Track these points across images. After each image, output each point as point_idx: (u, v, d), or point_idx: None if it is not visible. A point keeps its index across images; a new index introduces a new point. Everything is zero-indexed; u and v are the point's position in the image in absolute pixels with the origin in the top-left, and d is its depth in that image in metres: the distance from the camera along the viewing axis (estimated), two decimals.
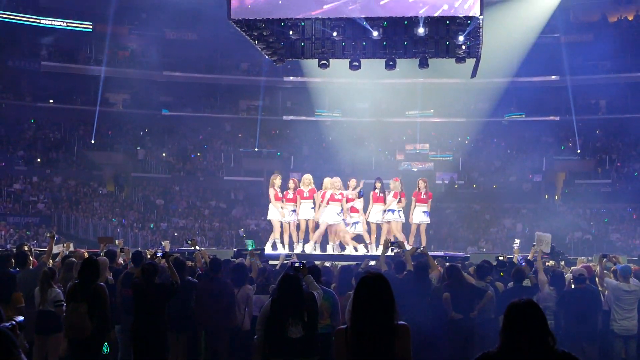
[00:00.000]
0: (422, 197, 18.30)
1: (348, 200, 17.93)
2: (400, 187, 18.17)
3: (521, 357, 4.48)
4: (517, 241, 15.70)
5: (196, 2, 37.14)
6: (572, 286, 10.93)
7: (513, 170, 40.27)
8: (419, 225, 18.40)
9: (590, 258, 16.09)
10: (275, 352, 7.33)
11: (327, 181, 18.07)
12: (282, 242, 18.14)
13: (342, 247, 18.20)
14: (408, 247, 13.50)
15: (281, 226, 18.18)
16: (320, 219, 17.83)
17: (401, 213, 18.13)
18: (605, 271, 11.67)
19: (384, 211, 17.92)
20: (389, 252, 13.31)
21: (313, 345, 7.37)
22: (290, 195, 18.00)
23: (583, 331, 10.43)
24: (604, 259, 11.83)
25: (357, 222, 17.91)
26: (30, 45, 42.01)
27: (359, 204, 18.10)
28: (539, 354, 4.47)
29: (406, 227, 18.62)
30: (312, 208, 17.94)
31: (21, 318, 4.82)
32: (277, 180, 18.13)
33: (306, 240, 18.22)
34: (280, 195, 17.96)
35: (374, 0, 18.40)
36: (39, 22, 40.88)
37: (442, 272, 10.72)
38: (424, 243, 18.11)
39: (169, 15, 41.39)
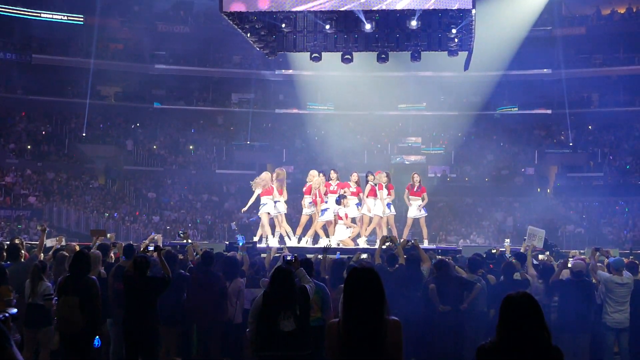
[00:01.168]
0: (414, 191, 18.32)
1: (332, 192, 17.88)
2: (387, 179, 18.10)
3: (517, 350, 4.48)
4: (508, 240, 15.77)
5: None
6: (562, 277, 10.93)
7: (505, 163, 40.34)
8: (417, 219, 18.43)
9: (582, 251, 16.13)
10: (267, 345, 7.30)
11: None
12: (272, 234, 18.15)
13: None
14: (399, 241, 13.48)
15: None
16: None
17: (391, 206, 18.12)
18: (599, 264, 11.68)
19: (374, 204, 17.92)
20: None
21: (305, 338, 7.35)
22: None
23: (575, 322, 10.41)
24: (597, 253, 11.84)
25: (325, 209, 17.77)
26: (21, 38, 41.83)
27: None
28: (535, 347, 4.47)
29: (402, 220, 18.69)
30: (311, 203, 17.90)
31: (14, 310, 4.78)
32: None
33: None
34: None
35: None
36: (30, 15, 40.70)
37: (431, 266, 10.75)
38: (425, 236, 18.18)
39: (161, 8, 41.34)
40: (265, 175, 17.85)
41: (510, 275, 10.75)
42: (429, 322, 9.94)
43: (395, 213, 18.29)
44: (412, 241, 12.78)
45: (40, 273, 9.85)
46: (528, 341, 4.48)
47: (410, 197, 18.41)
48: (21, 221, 33.39)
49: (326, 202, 17.59)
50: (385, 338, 5.07)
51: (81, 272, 8.98)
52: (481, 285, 10.58)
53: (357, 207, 17.82)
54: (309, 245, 17.75)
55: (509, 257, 12.66)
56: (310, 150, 40.82)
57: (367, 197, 17.78)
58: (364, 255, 13.20)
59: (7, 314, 4.61)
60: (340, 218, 17.58)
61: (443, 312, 9.92)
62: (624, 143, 40.52)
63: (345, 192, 17.57)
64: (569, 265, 10.99)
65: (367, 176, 18.15)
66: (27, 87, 41.10)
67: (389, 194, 18.01)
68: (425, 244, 17.59)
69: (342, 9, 18.92)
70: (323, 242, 17.30)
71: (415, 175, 18.55)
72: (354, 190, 17.76)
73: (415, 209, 18.35)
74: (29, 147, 39.73)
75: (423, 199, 18.40)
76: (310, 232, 18.10)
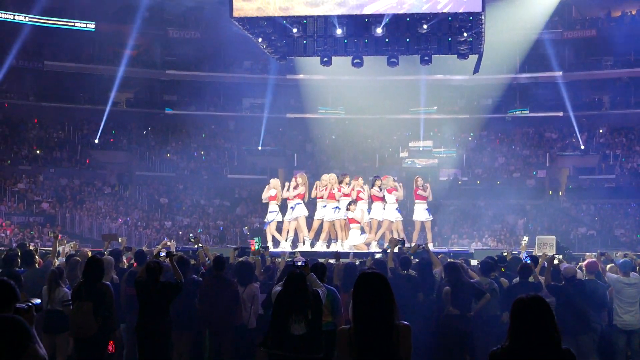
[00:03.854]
0: (419, 194, 18.34)
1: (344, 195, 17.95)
2: (393, 184, 18.14)
3: (530, 353, 4.48)
4: (526, 238, 15.74)
5: (199, 0, 37.08)
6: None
7: (517, 166, 40.26)
8: (422, 222, 18.45)
9: (595, 253, 16.12)
10: (278, 347, 7.34)
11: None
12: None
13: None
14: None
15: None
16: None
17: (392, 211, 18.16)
18: (610, 265, 11.73)
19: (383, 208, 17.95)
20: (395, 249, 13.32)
21: (316, 342, 7.37)
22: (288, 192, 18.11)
23: (574, 323, 10.31)
24: (602, 257, 11.92)
25: (336, 207, 17.83)
26: (33, 45, 42.00)
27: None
28: (548, 349, 4.47)
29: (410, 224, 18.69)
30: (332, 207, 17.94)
31: (38, 301, 4.74)
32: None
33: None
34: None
35: None
36: (42, 22, 40.85)
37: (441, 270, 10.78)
38: (429, 239, 18.18)
39: (172, 14, 41.47)
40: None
41: (526, 277, 10.75)
42: (438, 325, 9.97)
43: (402, 218, 18.29)
44: (423, 245, 12.81)
45: (57, 279, 9.91)
46: (540, 343, 4.46)
47: (417, 200, 18.43)
48: (34, 227, 33.52)
49: (338, 201, 17.70)
50: (397, 343, 5.07)
51: (95, 277, 9.02)
52: (494, 289, 10.58)
53: (368, 212, 17.91)
54: (323, 249, 17.77)
55: (526, 256, 12.65)
56: (322, 154, 40.84)
57: (373, 202, 17.89)
58: (378, 256, 13.24)
59: (30, 303, 4.55)
60: (352, 221, 17.64)
61: (449, 315, 9.94)
62: (635, 145, 40.39)
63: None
64: (554, 262, 10.93)
65: (373, 181, 18.16)
66: (40, 94, 41.35)
67: (396, 200, 18.06)
68: (431, 247, 17.63)
69: (359, 13, 19.00)
70: (334, 247, 17.35)
71: (419, 179, 18.59)
72: (347, 192, 17.90)
73: (423, 211, 18.35)
74: (42, 153, 39.91)
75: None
76: (323, 236, 18.11)
